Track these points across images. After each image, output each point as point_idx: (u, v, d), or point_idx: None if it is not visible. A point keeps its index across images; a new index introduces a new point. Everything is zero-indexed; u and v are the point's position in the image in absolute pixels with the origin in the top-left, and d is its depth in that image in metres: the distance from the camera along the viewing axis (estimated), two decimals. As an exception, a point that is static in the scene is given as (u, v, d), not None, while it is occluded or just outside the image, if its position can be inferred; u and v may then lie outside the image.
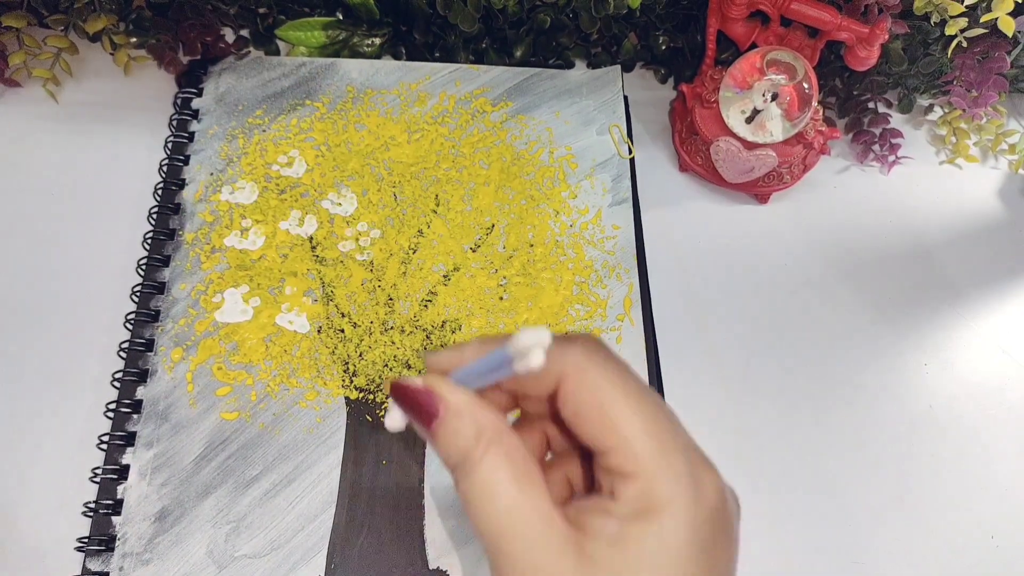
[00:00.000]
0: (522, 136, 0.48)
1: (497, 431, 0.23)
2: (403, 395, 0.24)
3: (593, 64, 0.53)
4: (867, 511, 0.41)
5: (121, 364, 0.39)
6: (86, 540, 0.35)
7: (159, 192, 0.44)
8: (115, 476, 0.37)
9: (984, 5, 0.44)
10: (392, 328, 0.41)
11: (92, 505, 0.36)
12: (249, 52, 0.50)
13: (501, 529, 0.22)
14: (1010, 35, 0.44)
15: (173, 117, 0.47)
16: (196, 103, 0.47)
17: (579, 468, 0.26)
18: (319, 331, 0.41)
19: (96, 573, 0.35)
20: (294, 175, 0.45)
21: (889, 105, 0.55)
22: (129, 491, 0.36)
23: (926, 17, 0.46)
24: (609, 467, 0.23)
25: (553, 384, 0.23)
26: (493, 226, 0.45)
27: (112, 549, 0.35)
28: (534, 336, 0.20)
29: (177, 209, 0.44)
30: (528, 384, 0.24)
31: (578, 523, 0.22)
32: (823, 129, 0.48)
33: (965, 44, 0.46)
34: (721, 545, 0.23)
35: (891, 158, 0.53)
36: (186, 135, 0.46)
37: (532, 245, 0.44)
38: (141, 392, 0.39)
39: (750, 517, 0.40)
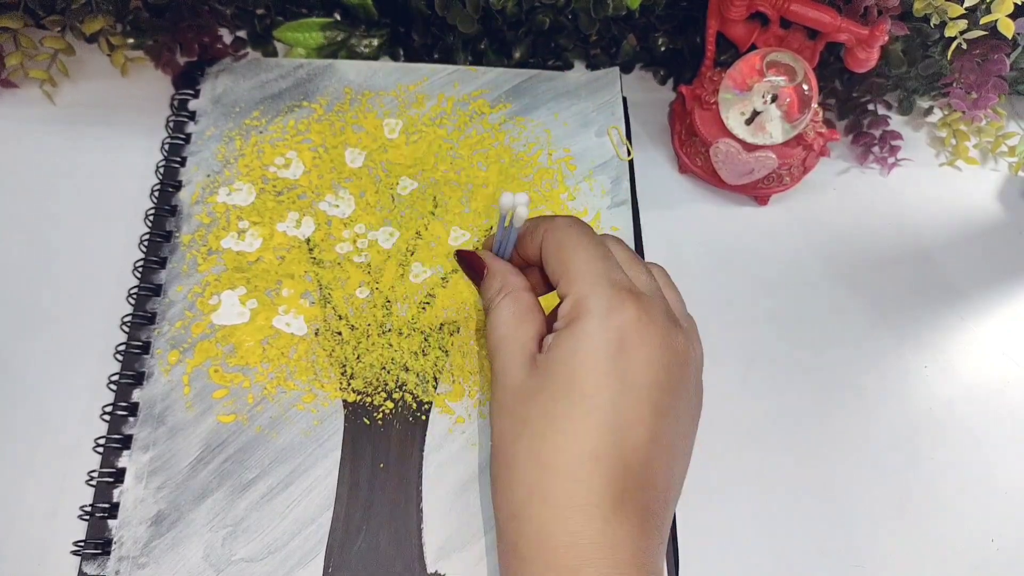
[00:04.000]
0: (520, 138, 0.48)
1: (514, 286, 0.33)
2: (464, 259, 0.36)
3: (592, 65, 0.53)
4: (867, 513, 0.41)
5: (117, 367, 0.39)
6: (82, 544, 0.35)
7: (156, 194, 0.44)
8: (111, 479, 0.37)
9: (984, 7, 0.44)
10: (390, 331, 0.41)
11: (88, 508, 0.36)
12: (247, 53, 0.50)
13: (495, 349, 0.32)
14: (1010, 37, 0.44)
15: (170, 119, 0.47)
16: (193, 105, 0.47)
17: None
18: (316, 333, 0.41)
19: (92, 577, 0.35)
20: (291, 177, 0.45)
21: (889, 107, 0.55)
22: (125, 494, 0.36)
23: (926, 19, 0.46)
24: (560, 295, 0.31)
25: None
26: (492, 228, 0.45)
27: (108, 553, 0.35)
28: (511, 198, 0.31)
29: (174, 211, 0.44)
30: (531, 251, 0.34)
31: (542, 346, 0.31)
32: (823, 131, 0.47)
33: (965, 46, 0.46)
34: (635, 355, 0.29)
35: (891, 160, 0.53)
36: (183, 137, 0.46)
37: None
38: (137, 395, 0.39)
39: (750, 518, 0.40)
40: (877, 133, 0.53)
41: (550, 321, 0.32)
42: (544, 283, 0.35)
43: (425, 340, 0.41)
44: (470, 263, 0.36)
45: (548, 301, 0.34)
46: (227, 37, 0.50)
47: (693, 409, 0.32)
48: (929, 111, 0.56)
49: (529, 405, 0.29)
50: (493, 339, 0.32)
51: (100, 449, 0.37)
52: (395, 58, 0.52)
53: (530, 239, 0.33)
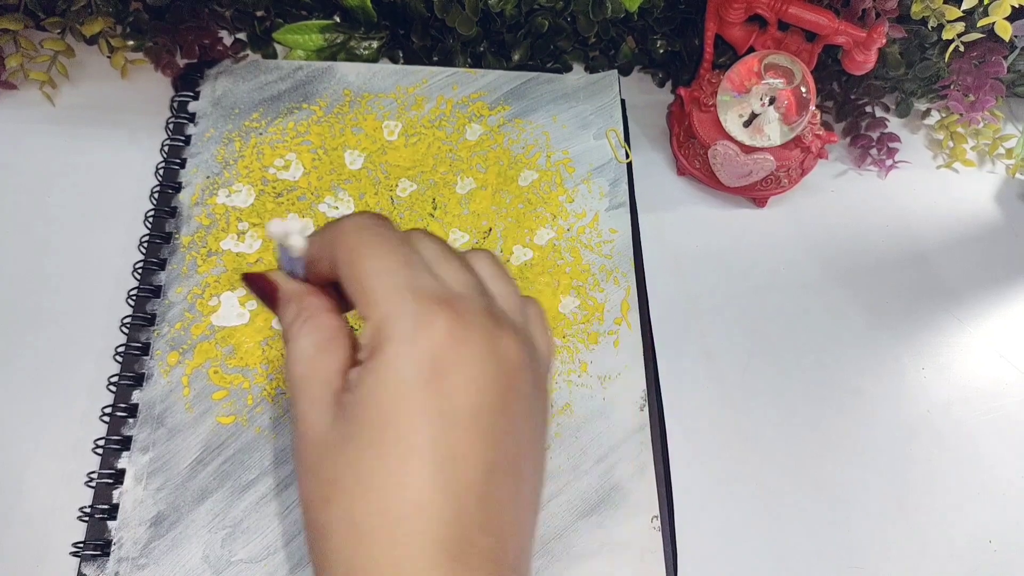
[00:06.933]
0: (519, 140, 0.48)
1: (314, 308, 0.26)
2: (252, 282, 0.28)
3: (591, 68, 0.53)
4: (865, 515, 0.41)
5: (117, 368, 0.39)
6: (82, 545, 0.35)
7: (155, 195, 0.44)
8: (111, 480, 0.37)
9: (981, 10, 0.44)
10: (389, 332, 0.41)
11: (88, 510, 0.36)
12: (246, 55, 0.50)
13: (293, 391, 0.25)
14: (1007, 40, 0.44)
15: (169, 120, 0.47)
16: (193, 106, 0.47)
17: None
18: (316, 335, 0.41)
19: (91, 578, 0.35)
20: (291, 178, 0.45)
21: (886, 109, 0.56)
22: (125, 496, 0.36)
23: (923, 22, 0.46)
24: (361, 318, 0.25)
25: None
26: (491, 230, 0.45)
27: (108, 554, 0.35)
28: (281, 226, 0.25)
29: (173, 212, 0.44)
30: (325, 268, 0.26)
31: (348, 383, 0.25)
32: (820, 133, 0.48)
33: (962, 49, 0.46)
34: (453, 377, 0.23)
35: (888, 162, 0.53)
36: (182, 138, 0.46)
37: (529, 249, 0.44)
38: (137, 396, 0.39)
39: (748, 520, 0.41)
40: (875, 135, 0.53)
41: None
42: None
43: (424, 341, 0.41)
44: (260, 287, 0.28)
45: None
46: (227, 39, 0.51)
47: (537, 419, 0.26)
48: (927, 113, 0.57)
49: (337, 461, 0.24)
50: (291, 378, 0.26)
51: (99, 450, 0.37)
52: (394, 60, 0.52)
53: (320, 253, 0.27)
